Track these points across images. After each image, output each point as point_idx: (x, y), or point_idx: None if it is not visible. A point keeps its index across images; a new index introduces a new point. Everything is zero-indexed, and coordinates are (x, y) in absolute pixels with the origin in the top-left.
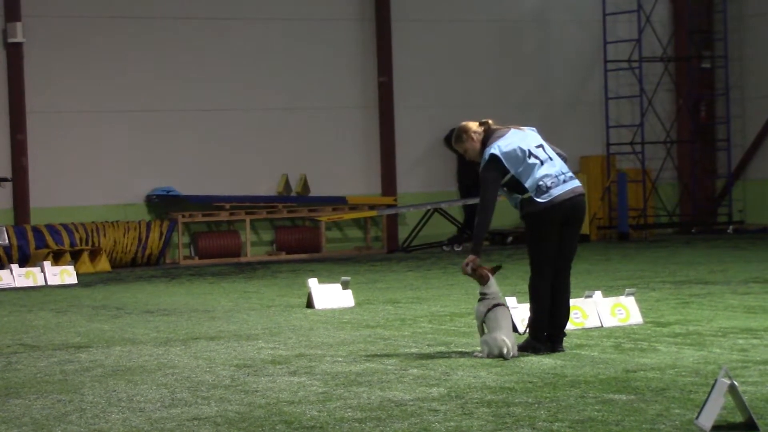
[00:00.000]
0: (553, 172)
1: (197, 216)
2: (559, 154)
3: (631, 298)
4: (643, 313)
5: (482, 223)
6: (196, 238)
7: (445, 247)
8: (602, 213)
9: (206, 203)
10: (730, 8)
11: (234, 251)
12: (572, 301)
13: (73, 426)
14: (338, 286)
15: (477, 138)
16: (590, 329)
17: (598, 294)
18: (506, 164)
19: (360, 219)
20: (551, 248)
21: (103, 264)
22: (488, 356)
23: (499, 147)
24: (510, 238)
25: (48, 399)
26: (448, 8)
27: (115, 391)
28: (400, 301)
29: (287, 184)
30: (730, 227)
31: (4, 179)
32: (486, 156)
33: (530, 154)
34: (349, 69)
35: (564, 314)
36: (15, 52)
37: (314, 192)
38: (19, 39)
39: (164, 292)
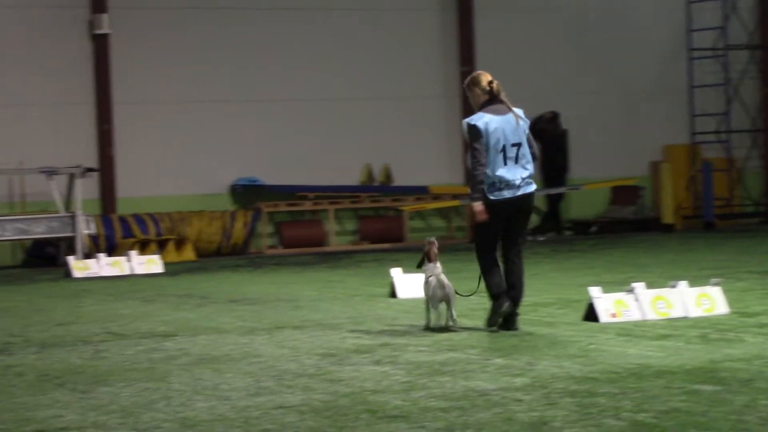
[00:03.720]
0: (510, 177)
1: (281, 205)
2: (532, 154)
3: (717, 288)
4: (729, 303)
5: (473, 183)
6: (280, 227)
7: (528, 237)
8: (687, 203)
9: (290, 193)
10: None
11: (318, 241)
12: (657, 291)
13: (160, 414)
14: (421, 275)
15: (479, 97)
16: (675, 319)
17: (683, 284)
18: (482, 139)
19: (443, 208)
20: (493, 235)
21: (189, 253)
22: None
23: (486, 123)
24: (594, 228)
25: (135, 387)
26: None
27: (200, 379)
28: (483, 291)
29: (370, 173)
30: None
31: (91, 169)
32: (470, 122)
33: (503, 148)
34: (431, 59)
35: (517, 294)
36: (101, 44)
37: (397, 181)
38: (105, 30)
39: (249, 282)
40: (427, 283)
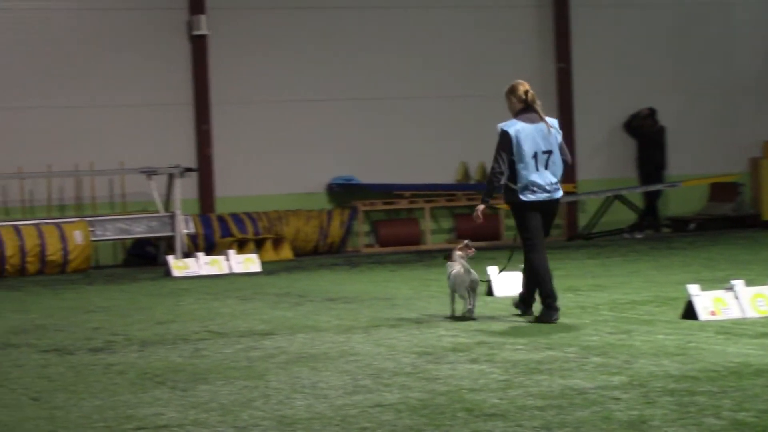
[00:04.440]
0: (542, 182)
1: (377, 204)
2: (564, 161)
3: None
4: None
5: (488, 187)
6: (376, 226)
7: (625, 235)
8: None
9: (386, 191)
10: None
11: (414, 239)
12: (757, 289)
13: (259, 411)
14: (518, 273)
15: (515, 105)
16: None
17: None
18: (513, 147)
19: None
20: (536, 227)
21: (286, 252)
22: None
23: (518, 131)
24: (692, 225)
25: (234, 385)
26: None
27: (298, 377)
28: (581, 288)
29: (466, 171)
30: None
31: (190, 169)
32: (503, 128)
33: (535, 155)
34: (527, 55)
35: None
36: (199, 45)
37: None
38: (203, 31)
39: (346, 280)
40: (449, 277)
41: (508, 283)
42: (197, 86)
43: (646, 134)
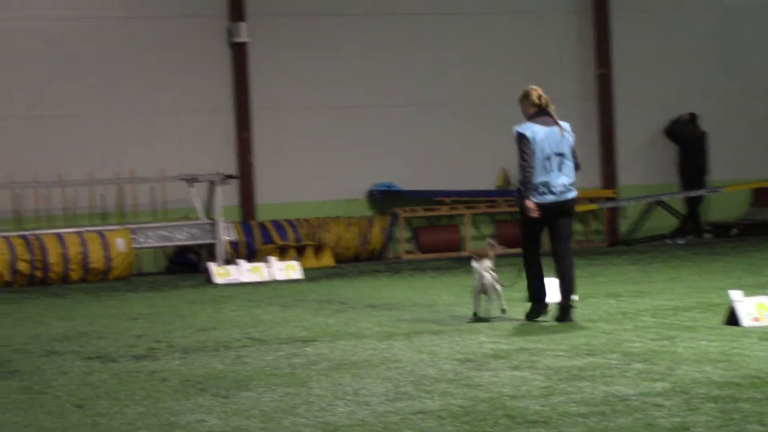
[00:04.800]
0: (553, 183)
1: (418, 211)
2: (576, 164)
3: None
4: None
5: (524, 183)
6: (417, 232)
7: (667, 240)
8: None
9: (427, 198)
10: None
11: (455, 245)
12: None
13: (301, 419)
14: (554, 280)
15: (528, 109)
16: None
17: None
18: (530, 145)
19: (580, 212)
20: (534, 234)
21: (327, 259)
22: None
23: (534, 132)
24: (734, 231)
25: (276, 392)
26: None
27: (340, 384)
28: (622, 294)
29: (507, 178)
30: None
31: (231, 176)
32: (520, 131)
33: (548, 157)
34: (567, 61)
35: (568, 286)
36: (240, 52)
37: None
38: (243, 39)
39: (387, 287)
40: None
41: (548, 289)
42: (237, 93)
43: (687, 139)
